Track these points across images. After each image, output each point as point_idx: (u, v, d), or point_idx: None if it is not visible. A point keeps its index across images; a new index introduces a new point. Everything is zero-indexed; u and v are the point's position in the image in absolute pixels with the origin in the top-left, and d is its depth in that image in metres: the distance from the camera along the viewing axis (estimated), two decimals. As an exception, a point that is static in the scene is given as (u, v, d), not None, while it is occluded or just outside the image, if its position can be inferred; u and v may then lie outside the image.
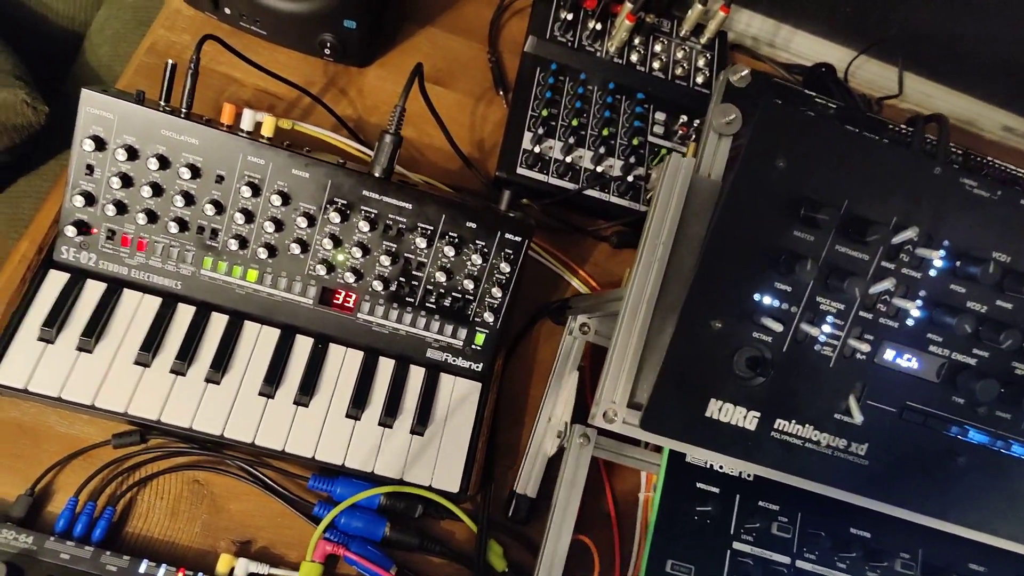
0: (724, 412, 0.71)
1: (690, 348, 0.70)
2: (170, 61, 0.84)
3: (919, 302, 0.71)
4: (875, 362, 0.72)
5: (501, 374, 0.95)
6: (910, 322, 0.72)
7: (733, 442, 0.72)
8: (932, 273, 0.71)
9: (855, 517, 0.87)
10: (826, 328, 0.71)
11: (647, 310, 0.74)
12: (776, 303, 0.70)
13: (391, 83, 1.12)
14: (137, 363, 0.85)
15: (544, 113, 1.10)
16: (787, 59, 1.40)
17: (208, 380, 0.86)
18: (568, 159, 1.09)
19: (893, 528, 0.86)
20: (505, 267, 0.89)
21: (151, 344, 0.85)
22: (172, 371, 0.85)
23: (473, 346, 0.92)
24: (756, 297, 0.70)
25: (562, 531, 0.86)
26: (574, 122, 1.10)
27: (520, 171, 1.07)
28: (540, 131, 1.09)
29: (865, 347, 0.72)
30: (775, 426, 0.72)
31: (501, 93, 1.16)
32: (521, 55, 1.15)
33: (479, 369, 0.93)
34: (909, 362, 0.73)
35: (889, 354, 0.72)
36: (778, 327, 0.70)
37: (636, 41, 1.19)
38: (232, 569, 0.83)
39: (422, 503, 0.89)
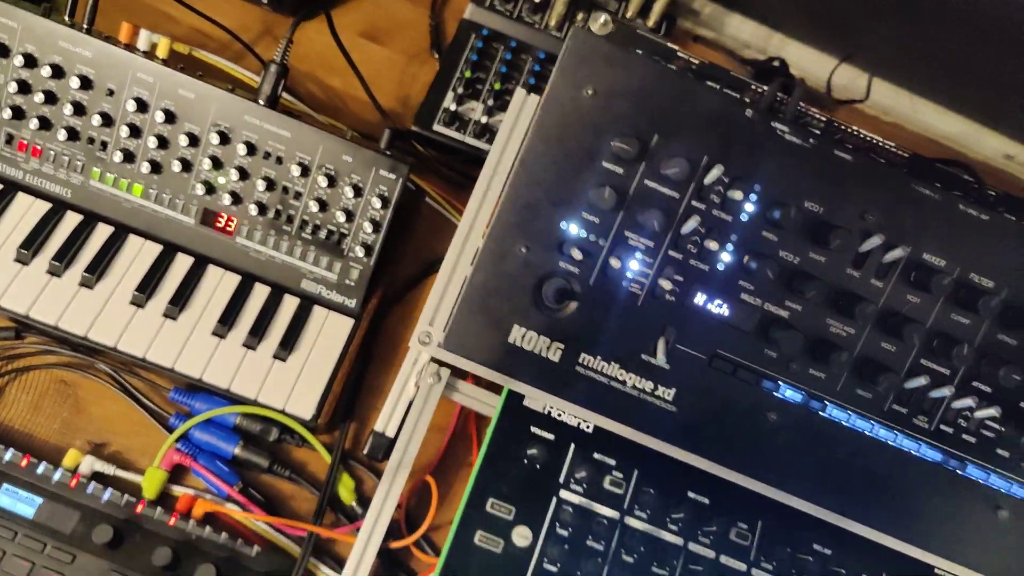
0: (528, 340, 0.72)
1: (496, 271, 0.71)
2: (76, -22, 0.89)
3: (730, 247, 0.71)
4: (684, 305, 0.72)
5: (375, 312, 0.96)
6: (721, 267, 0.71)
7: (535, 372, 0.72)
8: (743, 218, 0.71)
9: (695, 481, 0.85)
10: (634, 265, 0.71)
11: (476, 239, 0.75)
12: (584, 234, 0.71)
13: (328, 36, 1.15)
14: (16, 260, 0.89)
15: (468, 75, 1.12)
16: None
17: (83, 284, 0.90)
18: (487, 121, 1.10)
19: (734, 496, 0.84)
20: (377, 202, 0.91)
21: (31, 243, 0.89)
22: (48, 272, 0.89)
23: (347, 281, 0.94)
24: (563, 226, 0.71)
25: (401, 466, 0.87)
26: (496, 86, 1.12)
27: (436, 127, 1.10)
28: (463, 92, 1.11)
29: (674, 288, 0.71)
30: (579, 360, 0.72)
31: (436, 56, 1.19)
32: (460, 21, 1.17)
33: (352, 305, 0.95)
34: (720, 308, 0.72)
35: (699, 298, 0.72)
36: (585, 259, 0.71)
37: (578, 16, 1.20)
38: (78, 465, 0.86)
39: (278, 428, 0.91)
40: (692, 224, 0.69)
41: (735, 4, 1.33)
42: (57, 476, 0.83)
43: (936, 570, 0.87)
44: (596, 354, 0.72)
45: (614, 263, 0.71)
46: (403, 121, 1.13)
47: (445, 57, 1.15)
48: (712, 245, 0.70)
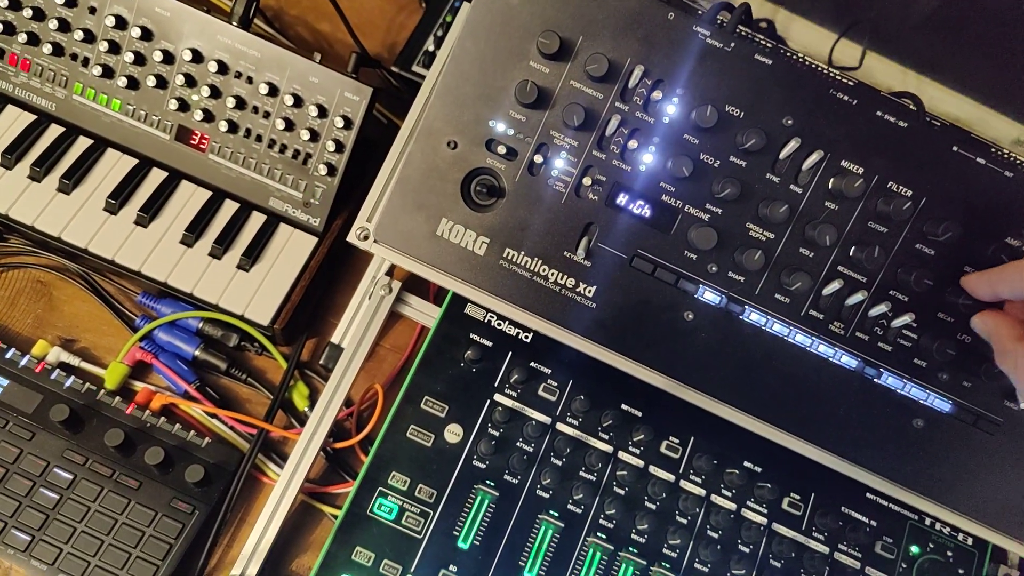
0: (455, 233, 0.75)
1: (425, 164, 0.74)
2: (63, -99, 0.95)
3: (652, 148, 0.73)
4: (607, 205, 0.74)
5: (339, 232, 1.00)
6: (643, 168, 0.74)
7: (461, 264, 0.75)
8: (665, 120, 0.73)
9: (630, 394, 0.87)
10: (559, 163, 0.74)
11: (414, 138, 0.78)
12: (511, 131, 0.74)
13: (320, -18, 1.20)
14: (0, 165, 0.95)
15: (449, 19, 1.16)
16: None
17: (60, 190, 0.95)
18: (462, 62, 1.14)
19: (667, 410, 0.87)
20: (340, 123, 0.95)
21: (14, 150, 0.95)
22: (29, 177, 0.95)
23: (312, 200, 0.98)
24: (491, 123, 0.74)
25: (348, 371, 0.90)
26: (473, 29, 1.15)
27: (415, 68, 1.13)
28: (443, 35, 1.14)
29: (597, 188, 0.74)
30: (504, 255, 0.75)
31: (424, 5, 1.23)
32: (450, -27, 1.21)
33: (316, 224, 0.99)
34: (642, 210, 0.74)
35: (622, 198, 0.74)
36: (511, 155, 0.74)
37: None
38: (46, 354, 0.91)
39: (239, 335, 0.95)
40: (614, 125, 0.72)
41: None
42: (24, 361, 0.88)
43: (868, 494, 0.88)
44: (520, 249, 0.74)
45: (539, 161, 0.74)
46: (387, 65, 1.17)
47: (430, 4, 1.19)
48: (634, 147, 0.73)
